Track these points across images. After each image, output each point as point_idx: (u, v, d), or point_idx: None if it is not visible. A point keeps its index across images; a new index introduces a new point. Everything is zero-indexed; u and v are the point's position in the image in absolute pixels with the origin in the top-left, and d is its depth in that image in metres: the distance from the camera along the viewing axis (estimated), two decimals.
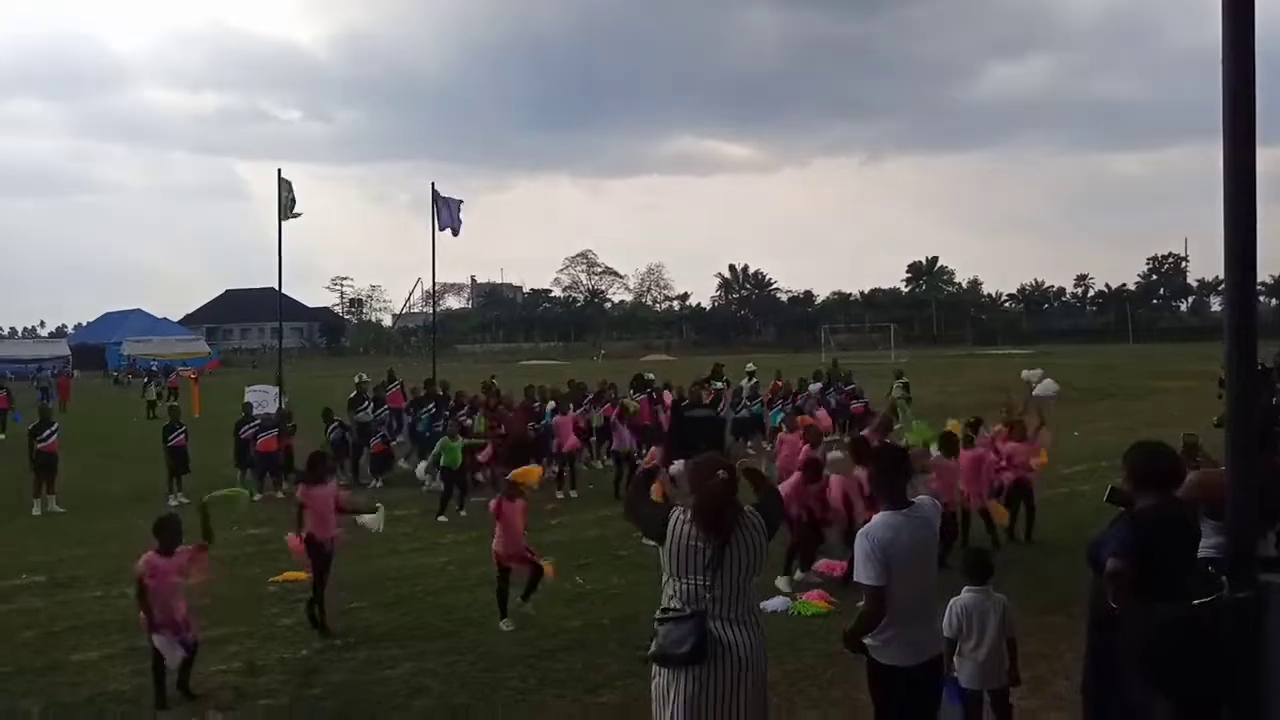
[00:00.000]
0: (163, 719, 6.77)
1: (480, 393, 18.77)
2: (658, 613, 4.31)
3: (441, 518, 13.66)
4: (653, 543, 4.57)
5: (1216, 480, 4.84)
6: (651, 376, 21.20)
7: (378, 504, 9.58)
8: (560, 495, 15.08)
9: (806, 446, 12.39)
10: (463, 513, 13.77)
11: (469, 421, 16.75)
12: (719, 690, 4.15)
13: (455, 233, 21.43)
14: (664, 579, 4.36)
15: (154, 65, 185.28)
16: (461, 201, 21.41)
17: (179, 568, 7.14)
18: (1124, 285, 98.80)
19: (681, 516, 4.30)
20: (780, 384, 22.06)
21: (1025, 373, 12.51)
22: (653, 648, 4.27)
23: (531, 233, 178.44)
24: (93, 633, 8.74)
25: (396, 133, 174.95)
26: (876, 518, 4.66)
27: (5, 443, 23.86)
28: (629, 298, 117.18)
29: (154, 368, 52.62)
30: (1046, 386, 12.10)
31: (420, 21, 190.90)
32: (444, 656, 7.78)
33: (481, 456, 15.41)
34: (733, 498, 4.26)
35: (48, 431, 15.70)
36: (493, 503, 8.95)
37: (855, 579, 4.56)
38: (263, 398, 18.84)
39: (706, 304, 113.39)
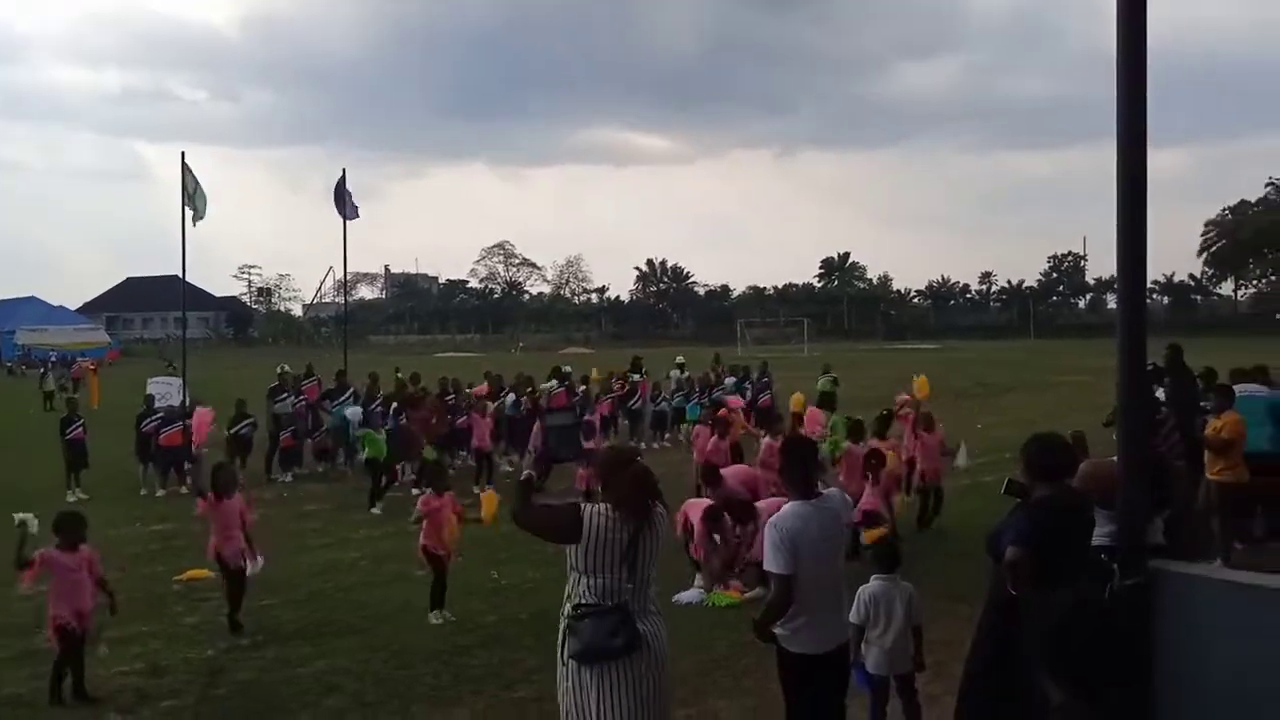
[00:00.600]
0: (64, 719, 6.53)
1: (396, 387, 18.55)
2: (568, 609, 4.27)
3: (374, 509, 13.41)
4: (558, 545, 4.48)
5: (1106, 471, 5.08)
6: (569, 369, 21.15)
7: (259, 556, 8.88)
8: (476, 490, 14.93)
9: (715, 438, 12.60)
10: (376, 510, 13.51)
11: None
12: (639, 682, 4.15)
13: (354, 215, 21.32)
14: (573, 576, 4.30)
15: (56, 41, 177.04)
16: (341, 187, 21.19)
17: (83, 563, 6.93)
18: (1024, 282, 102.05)
19: (597, 510, 4.29)
20: (710, 375, 22.27)
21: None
22: (575, 646, 4.19)
23: (448, 222, 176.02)
24: None
25: (308, 116, 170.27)
26: (786, 508, 4.75)
27: None
28: (547, 290, 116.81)
29: (52, 358, 50.51)
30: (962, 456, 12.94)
31: (336, 3, 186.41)
32: (356, 653, 7.68)
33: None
34: (653, 482, 4.35)
35: None
36: (421, 500, 8.85)
37: (765, 568, 4.65)
38: (166, 390, 18.22)
39: (625, 297, 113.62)
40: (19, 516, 6.89)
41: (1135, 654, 2.77)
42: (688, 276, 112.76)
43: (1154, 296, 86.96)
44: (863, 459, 10.74)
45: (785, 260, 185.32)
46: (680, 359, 24.62)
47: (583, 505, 4.39)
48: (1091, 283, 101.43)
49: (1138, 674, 3.81)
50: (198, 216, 16.77)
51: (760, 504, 9.34)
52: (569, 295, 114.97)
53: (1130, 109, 4.30)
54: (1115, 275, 4.42)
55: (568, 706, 4.29)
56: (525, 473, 4.53)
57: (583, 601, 4.23)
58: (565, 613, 4.31)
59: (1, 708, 6.80)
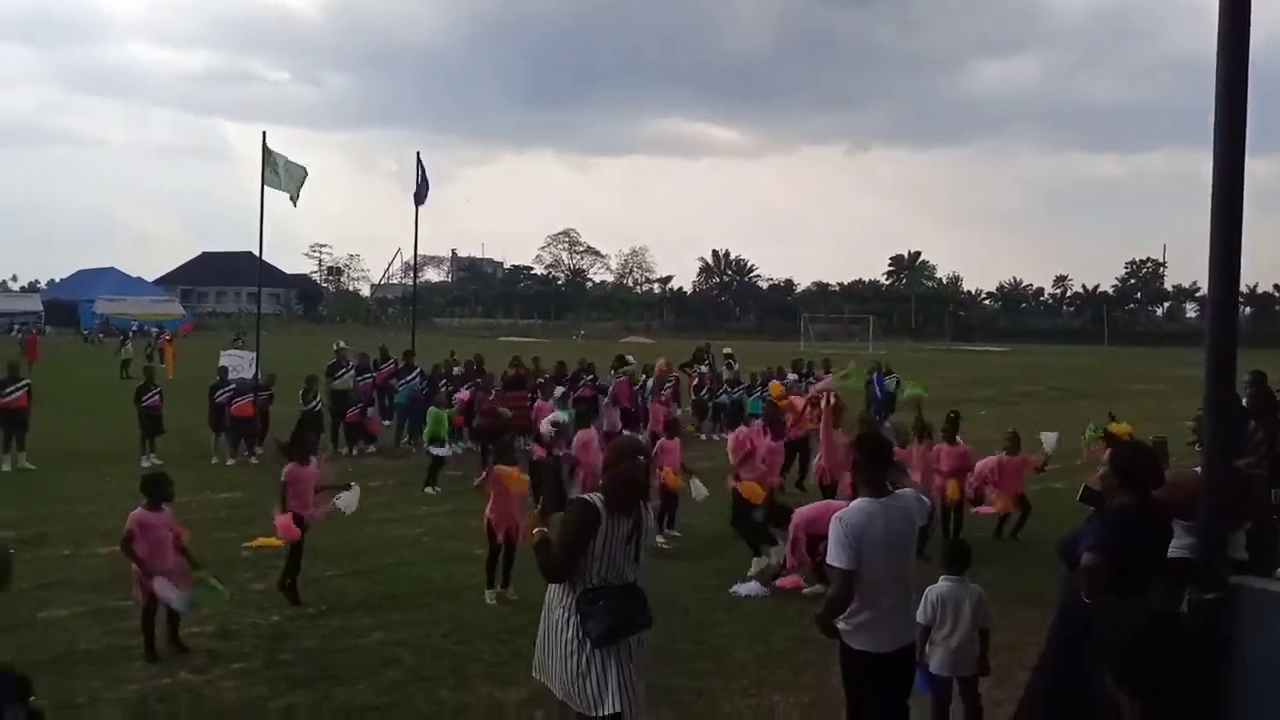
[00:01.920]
0: (135, 677, 6.74)
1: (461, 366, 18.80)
2: (584, 594, 4.28)
3: (429, 489, 13.60)
4: None
5: (1187, 481, 4.93)
6: (630, 358, 21.20)
7: (351, 482, 9.48)
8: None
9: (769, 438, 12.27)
10: (430, 490, 13.67)
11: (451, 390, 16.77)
12: (643, 661, 4.47)
13: (422, 201, 21.55)
14: (587, 563, 4.30)
15: (142, 19, 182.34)
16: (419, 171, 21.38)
17: (167, 523, 7.20)
18: (1099, 287, 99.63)
19: (599, 499, 4.37)
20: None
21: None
22: (597, 628, 4.21)
23: (515, 208, 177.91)
24: (62, 591, 8.68)
25: (385, 100, 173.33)
26: (854, 503, 4.70)
27: None
28: (610, 278, 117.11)
29: (134, 328, 52.05)
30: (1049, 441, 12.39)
31: None
32: (416, 627, 7.78)
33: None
34: (648, 481, 4.56)
35: (13, 387, 15.52)
36: (482, 474, 9.01)
37: (828, 561, 4.61)
38: (238, 362, 18.67)
39: (688, 288, 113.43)
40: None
41: (1208, 670, 2.69)
42: (751, 270, 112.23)
43: (1240, 308, 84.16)
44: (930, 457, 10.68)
45: (851, 257, 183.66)
46: (727, 350, 24.39)
47: (589, 500, 4.40)
48: (1170, 290, 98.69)
49: (1210, 689, 3.70)
50: (292, 196, 16.96)
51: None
52: (631, 285, 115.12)
53: (1229, 116, 4.14)
54: (1195, 283, 4.32)
55: (586, 695, 4.26)
56: (538, 532, 4.49)
57: (592, 585, 4.28)
58: (568, 604, 4.34)
59: (76, 663, 7.03)
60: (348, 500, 9.03)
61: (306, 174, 17.16)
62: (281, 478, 8.64)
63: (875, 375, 20.75)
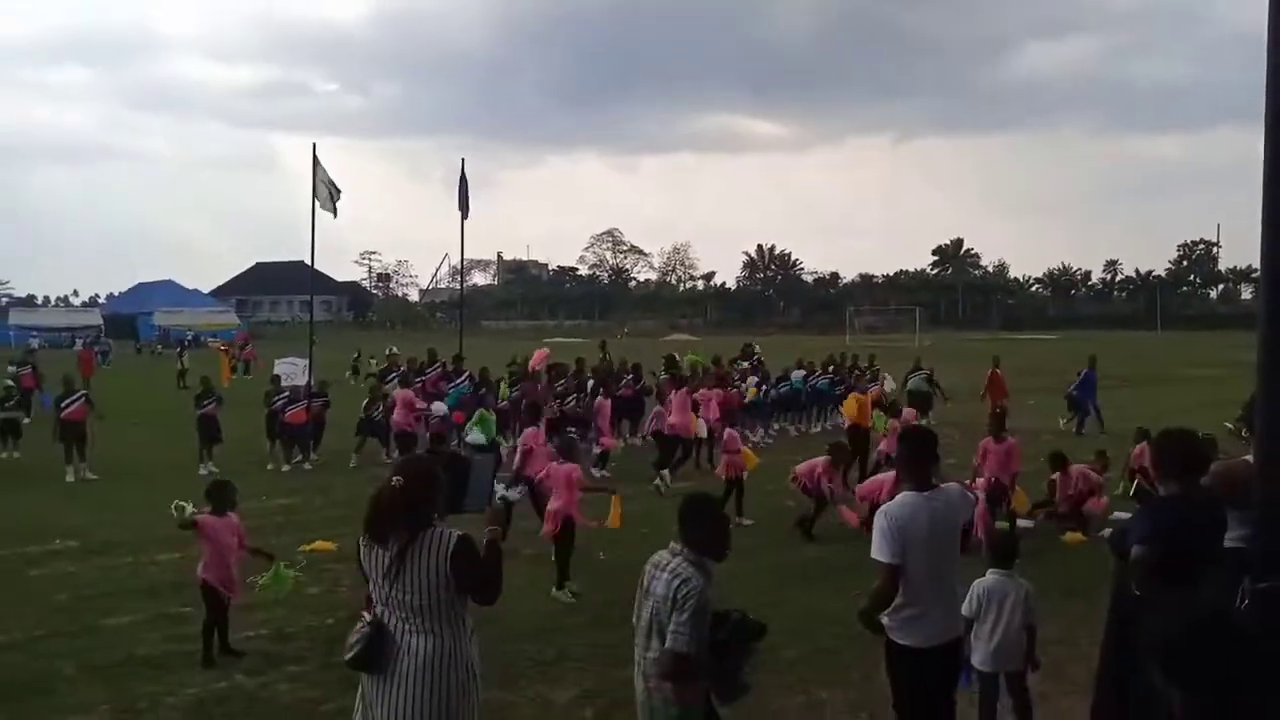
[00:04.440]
0: (193, 681, 6.91)
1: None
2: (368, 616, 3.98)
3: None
4: None
5: (1239, 470, 4.83)
6: (679, 356, 21.31)
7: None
8: (595, 471, 15.01)
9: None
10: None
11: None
12: (393, 697, 3.80)
13: (466, 214, 21.31)
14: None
15: (194, 36, 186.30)
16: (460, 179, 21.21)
17: (232, 529, 7.42)
18: (1153, 271, 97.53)
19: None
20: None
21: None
22: (350, 651, 3.91)
23: (560, 210, 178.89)
24: (124, 598, 8.92)
25: (431, 107, 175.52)
26: (898, 497, 4.68)
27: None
28: (654, 276, 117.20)
29: (188, 338, 53.15)
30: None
31: None
32: None
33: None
34: (397, 507, 3.79)
35: (71, 399, 15.95)
36: (541, 471, 9.15)
37: (872, 555, 4.58)
38: (291, 370, 18.99)
39: (731, 284, 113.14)
40: (177, 504, 7.51)
41: (1263, 662, 2.64)
42: (796, 264, 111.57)
43: None
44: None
45: (896, 247, 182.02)
46: (756, 347, 24.42)
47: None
48: (1225, 272, 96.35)
49: (1265, 682, 3.62)
50: (330, 211, 17.22)
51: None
52: (675, 282, 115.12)
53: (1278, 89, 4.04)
54: (1252, 265, 4.20)
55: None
56: (489, 532, 4.05)
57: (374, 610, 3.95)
58: (469, 636, 3.93)
59: (137, 667, 7.22)
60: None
61: (340, 192, 17.36)
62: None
63: None
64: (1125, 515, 10.61)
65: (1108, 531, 10.88)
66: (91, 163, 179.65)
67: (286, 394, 16.97)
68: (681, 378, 19.16)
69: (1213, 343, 45.28)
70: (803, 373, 20.87)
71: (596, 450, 15.59)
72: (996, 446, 10.87)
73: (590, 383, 17.94)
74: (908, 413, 15.29)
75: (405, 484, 3.80)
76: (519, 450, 9.19)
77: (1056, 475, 11.26)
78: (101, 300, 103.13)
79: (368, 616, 3.91)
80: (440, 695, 3.77)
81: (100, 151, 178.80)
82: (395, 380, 18.00)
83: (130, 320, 77.21)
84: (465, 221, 21.49)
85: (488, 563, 3.93)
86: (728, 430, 12.80)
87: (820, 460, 11.35)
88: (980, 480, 10.57)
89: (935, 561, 4.53)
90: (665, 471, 14.14)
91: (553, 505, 9.12)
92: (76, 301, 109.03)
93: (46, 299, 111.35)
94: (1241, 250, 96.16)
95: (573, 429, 17.77)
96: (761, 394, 19.77)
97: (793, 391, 20.43)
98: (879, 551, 4.50)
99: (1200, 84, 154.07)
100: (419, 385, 18.33)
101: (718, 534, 4.20)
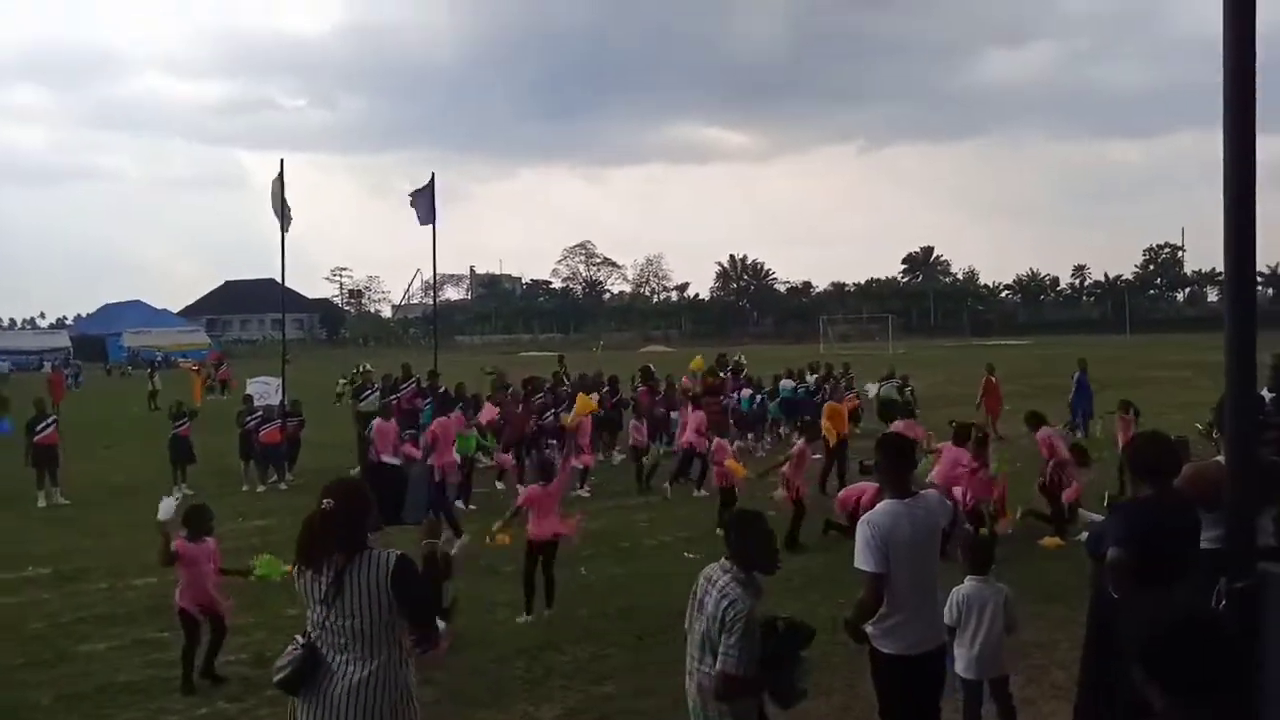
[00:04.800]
0: (173, 708, 6.83)
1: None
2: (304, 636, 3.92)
3: (459, 504, 13.69)
4: None
5: (1210, 473, 4.91)
6: (653, 368, 21.36)
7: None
8: (578, 489, 14.95)
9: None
10: (471, 506, 13.75)
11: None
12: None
13: (430, 221, 20.70)
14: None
15: (157, 53, 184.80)
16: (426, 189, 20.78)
17: (209, 554, 7.35)
18: (1120, 276, 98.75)
19: None
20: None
21: None
22: (281, 673, 3.83)
23: (531, 223, 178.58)
24: (100, 624, 8.82)
25: (399, 121, 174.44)
26: (879, 505, 4.72)
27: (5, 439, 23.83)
28: (628, 289, 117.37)
29: (158, 359, 52.54)
30: None
31: (426, 10, 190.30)
32: (450, 645, 7.83)
33: (497, 459, 15.61)
34: (329, 530, 3.73)
35: (43, 424, 15.76)
36: (523, 493, 9.08)
37: (856, 565, 4.62)
38: (264, 389, 18.87)
39: (705, 295, 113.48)
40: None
41: (1241, 661, 2.69)
42: (768, 274, 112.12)
43: (1258, 288, 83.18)
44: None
45: (869, 256, 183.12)
46: (741, 358, 24.51)
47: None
48: (1191, 275, 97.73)
49: (1243, 681, 3.69)
50: (283, 227, 17.09)
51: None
52: (648, 294, 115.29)
53: (1237, 93, 4.13)
54: (1216, 268, 4.29)
55: None
56: (426, 545, 4.05)
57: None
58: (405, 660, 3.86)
59: (117, 694, 7.14)
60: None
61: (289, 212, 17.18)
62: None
63: None
64: (1096, 517, 10.78)
65: (1084, 535, 11.07)
66: (54, 183, 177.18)
67: (260, 413, 16.84)
68: (656, 389, 19.31)
69: (1181, 345, 45.89)
70: (792, 382, 21.03)
71: (578, 466, 15.56)
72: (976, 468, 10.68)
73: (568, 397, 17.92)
74: (900, 427, 15.32)
75: (336, 506, 3.74)
76: (521, 499, 9.02)
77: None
78: (69, 322, 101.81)
79: (300, 639, 3.84)
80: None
81: (63, 171, 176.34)
82: (371, 396, 17.89)
83: (99, 341, 76.25)
84: (432, 229, 21.22)
85: (426, 579, 3.88)
86: (716, 441, 12.81)
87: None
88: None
89: (917, 568, 4.58)
90: (666, 485, 14.53)
91: (535, 532, 8.73)
92: (44, 323, 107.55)
93: (13, 321, 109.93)
94: (1206, 253, 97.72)
95: (552, 443, 17.83)
96: (756, 404, 19.93)
97: (793, 400, 20.55)
98: (863, 561, 4.54)
99: (1157, 89, 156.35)
100: (394, 402, 18.23)
101: (765, 549, 4.20)
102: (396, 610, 3.71)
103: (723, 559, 4.20)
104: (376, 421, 16.12)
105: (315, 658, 3.76)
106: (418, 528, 4.20)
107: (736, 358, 23.86)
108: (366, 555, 3.72)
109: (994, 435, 18.49)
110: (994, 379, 21.02)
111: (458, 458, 13.76)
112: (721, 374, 21.85)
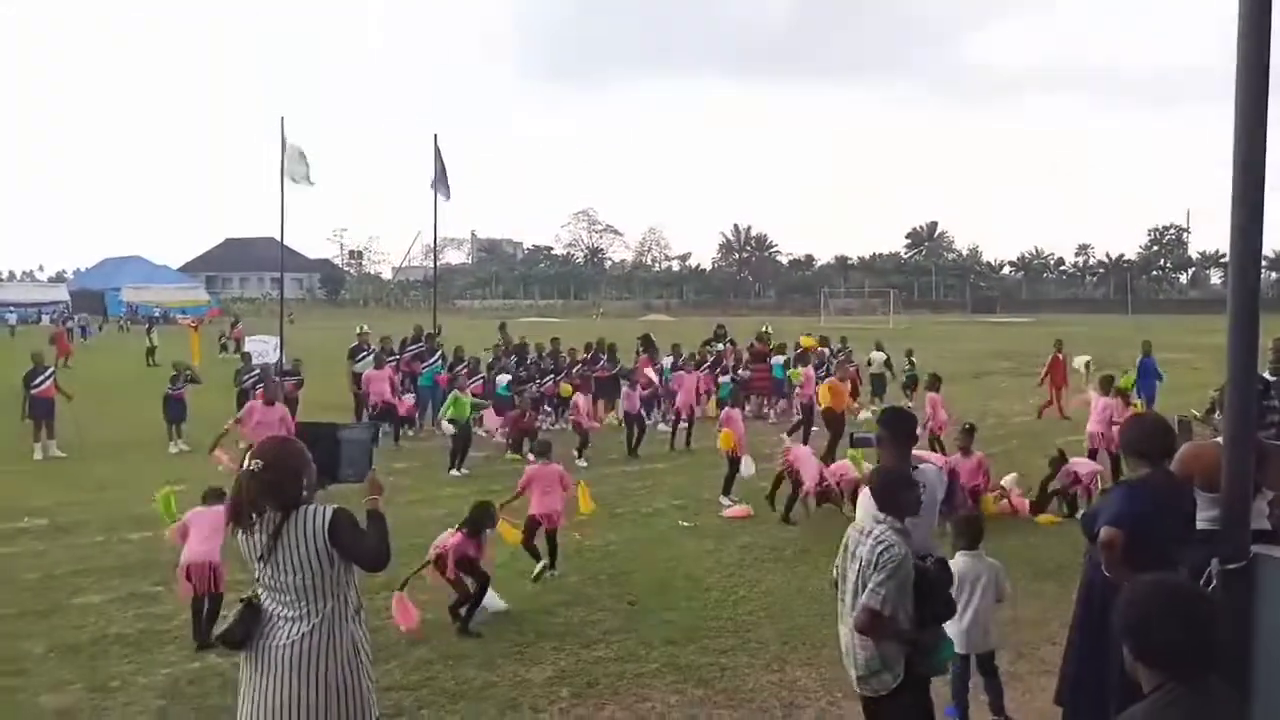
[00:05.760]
0: (166, 661, 6.86)
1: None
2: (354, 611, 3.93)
3: (454, 472, 13.69)
4: None
5: (1209, 453, 4.90)
6: (653, 336, 21.35)
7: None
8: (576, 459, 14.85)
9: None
10: (464, 471, 13.75)
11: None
12: (266, 682, 3.74)
13: (447, 196, 21.25)
14: (351, 579, 3.94)
15: None
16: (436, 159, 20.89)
17: (220, 518, 7.40)
18: (1124, 255, 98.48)
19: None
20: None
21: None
22: (225, 630, 3.88)
23: (534, 187, 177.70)
24: (95, 577, 8.84)
25: (404, 82, 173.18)
26: None
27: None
28: (629, 256, 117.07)
29: (156, 315, 52.50)
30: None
31: None
32: (443, 608, 7.86)
33: (487, 422, 15.55)
34: (255, 490, 3.74)
35: (41, 377, 15.76)
36: (526, 472, 9.06)
37: None
38: (263, 347, 18.85)
39: (707, 265, 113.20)
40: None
41: (1223, 640, 2.68)
42: (771, 245, 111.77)
43: (1263, 272, 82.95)
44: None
45: (872, 230, 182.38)
46: (767, 328, 24.45)
47: None
48: (1195, 257, 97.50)
49: (1230, 660, 3.69)
50: (304, 180, 16.90)
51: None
52: (650, 263, 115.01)
53: (1250, 71, 4.07)
54: (1220, 250, 4.24)
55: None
56: (369, 502, 4.02)
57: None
58: (352, 615, 3.88)
59: (110, 646, 7.17)
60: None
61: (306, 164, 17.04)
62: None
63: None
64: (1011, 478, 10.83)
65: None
66: None
67: (257, 372, 16.81)
68: (656, 358, 19.30)
69: (1183, 327, 45.82)
70: (782, 359, 20.91)
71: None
72: (966, 462, 10.61)
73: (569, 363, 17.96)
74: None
75: (265, 466, 3.77)
76: (523, 481, 9.00)
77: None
78: (69, 276, 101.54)
79: (246, 597, 3.89)
80: (319, 684, 3.72)
81: None
82: (367, 358, 17.82)
83: (98, 296, 76.12)
84: (444, 202, 21.35)
85: (372, 532, 3.91)
86: (725, 411, 12.60)
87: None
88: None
89: (916, 541, 4.57)
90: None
91: (537, 509, 8.80)
92: (42, 276, 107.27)
93: (11, 274, 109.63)
94: (1211, 235, 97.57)
95: (549, 408, 17.86)
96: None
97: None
98: None
99: (1166, 67, 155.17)
100: (394, 364, 18.21)
101: (911, 500, 4.44)
102: (340, 560, 3.76)
103: (873, 513, 4.39)
104: (368, 371, 16.17)
105: (257, 614, 3.81)
106: (360, 486, 4.15)
107: (764, 328, 23.76)
108: (302, 511, 3.77)
109: (1061, 413, 18.48)
110: (1061, 356, 20.19)
111: None
112: (721, 345, 21.84)
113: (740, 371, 19.51)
